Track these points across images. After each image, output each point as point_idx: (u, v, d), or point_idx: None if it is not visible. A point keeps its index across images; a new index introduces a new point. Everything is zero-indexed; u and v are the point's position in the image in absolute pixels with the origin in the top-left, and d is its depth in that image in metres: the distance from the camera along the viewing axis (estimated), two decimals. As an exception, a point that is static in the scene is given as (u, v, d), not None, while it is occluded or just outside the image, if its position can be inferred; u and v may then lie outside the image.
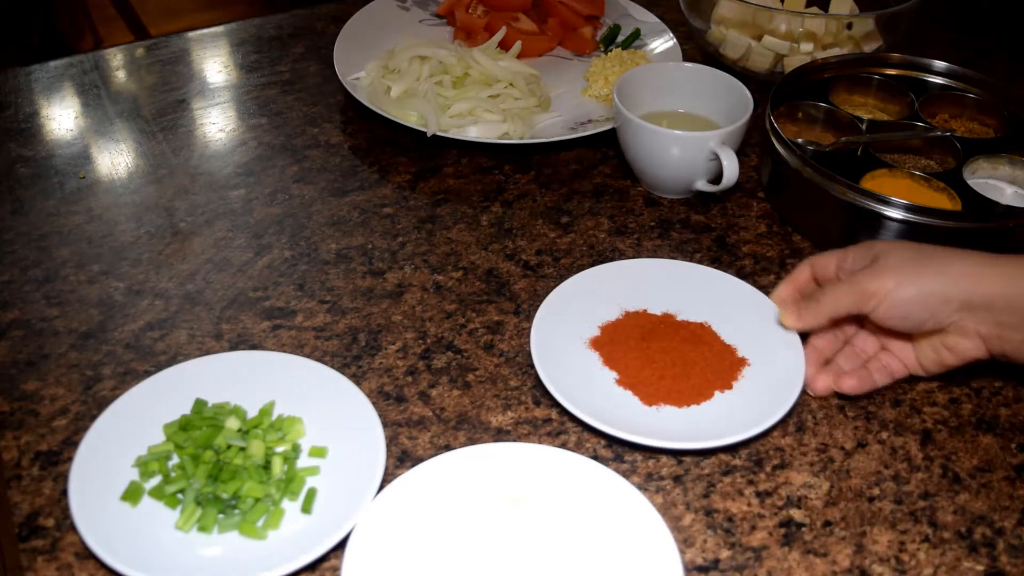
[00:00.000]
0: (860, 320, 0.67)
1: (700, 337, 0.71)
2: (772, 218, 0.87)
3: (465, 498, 0.59)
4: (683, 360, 0.69)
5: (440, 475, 0.60)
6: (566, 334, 0.71)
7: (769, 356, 0.69)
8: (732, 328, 0.72)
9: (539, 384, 0.70)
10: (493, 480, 0.60)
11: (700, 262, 0.82)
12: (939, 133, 0.86)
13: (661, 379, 0.68)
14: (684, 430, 0.64)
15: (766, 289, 0.73)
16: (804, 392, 0.68)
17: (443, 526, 0.58)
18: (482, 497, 0.59)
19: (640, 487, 0.63)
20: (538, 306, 0.74)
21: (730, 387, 0.68)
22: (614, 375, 0.69)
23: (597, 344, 0.71)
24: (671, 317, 0.73)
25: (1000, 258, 0.60)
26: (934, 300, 0.60)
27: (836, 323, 0.68)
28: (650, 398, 0.67)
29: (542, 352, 0.68)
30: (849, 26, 1.03)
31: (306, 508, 0.60)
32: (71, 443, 0.65)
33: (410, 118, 0.92)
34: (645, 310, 0.74)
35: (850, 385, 0.67)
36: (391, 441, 0.66)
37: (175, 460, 0.62)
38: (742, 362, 0.70)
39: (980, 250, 0.77)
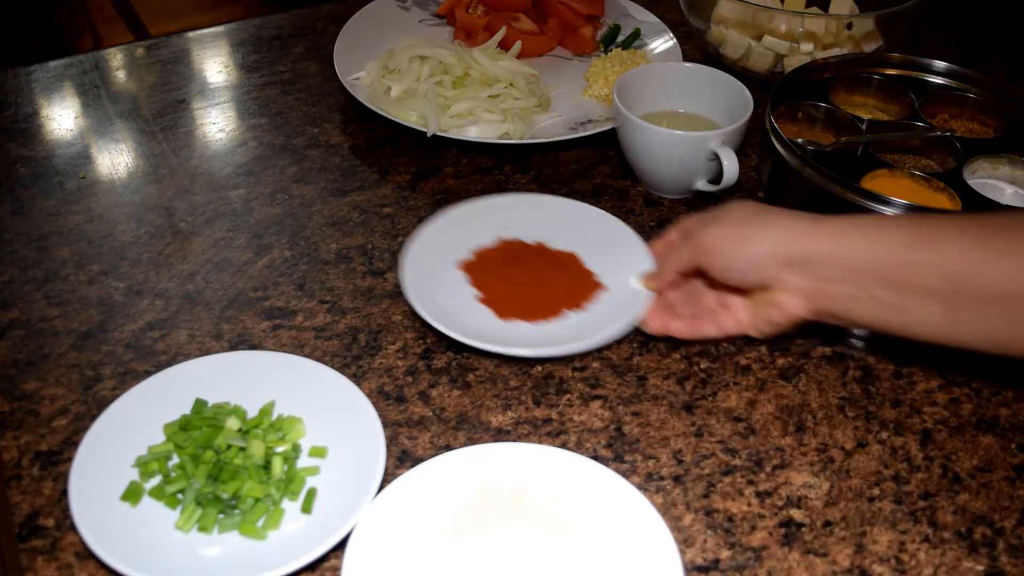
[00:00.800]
0: (704, 274, 0.68)
1: (562, 263, 0.78)
2: (772, 218, 0.87)
3: (465, 498, 0.59)
4: (540, 281, 0.76)
5: (440, 475, 0.60)
6: (442, 257, 0.77)
7: (624, 286, 0.74)
8: (598, 258, 0.78)
9: (538, 385, 0.70)
10: (493, 480, 0.60)
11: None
12: (939, 133, 0.86)
13: (516, 297, 0.75)
14: (527, 339, 0.71)
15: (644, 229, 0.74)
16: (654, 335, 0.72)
17: (443, 526, 0.58)
18: (482, 497, 0.59)
19: (640, 487, 0.63)
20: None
21: (581, 307, 0.74)
22: (477, 293, 0.75)
23: (467, 267, 0.77)
24: (542, 245, 0.79)
25: (829, 218, 0.61)
26: (757, 254, 0.61)
27: (684, 275, 0.70)
28: (504, 313, 0.73)
29: (414, 270, 0.74)
30: (849, 26, 1.03)
31: (306, 508, 0.60)
32: (71, 443, 0.65)
33: (410, 118, 0.92)
34: (519, 239, 0.80)
35: (677, 328, 0.69)
36: (391, 441, 0.66)
37: (175, 460, 0.62)
38: (598, 286, 0.75)
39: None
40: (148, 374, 0.69)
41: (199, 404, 0.65)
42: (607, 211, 0.80)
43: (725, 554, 0.59)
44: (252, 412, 0.65)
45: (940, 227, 0.57)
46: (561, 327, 0.72)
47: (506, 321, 0.73)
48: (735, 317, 0.68)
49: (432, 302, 0.71)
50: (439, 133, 0.90)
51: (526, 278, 0.76)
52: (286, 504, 0.60)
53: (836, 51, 1.03)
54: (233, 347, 0.72)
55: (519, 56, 1.04)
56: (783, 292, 0.62)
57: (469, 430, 0.67)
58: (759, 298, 0.65)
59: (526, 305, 0.74)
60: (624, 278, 0.74)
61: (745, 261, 0.62)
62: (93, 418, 0.64)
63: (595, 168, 0.93)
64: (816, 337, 0.74)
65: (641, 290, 0.72)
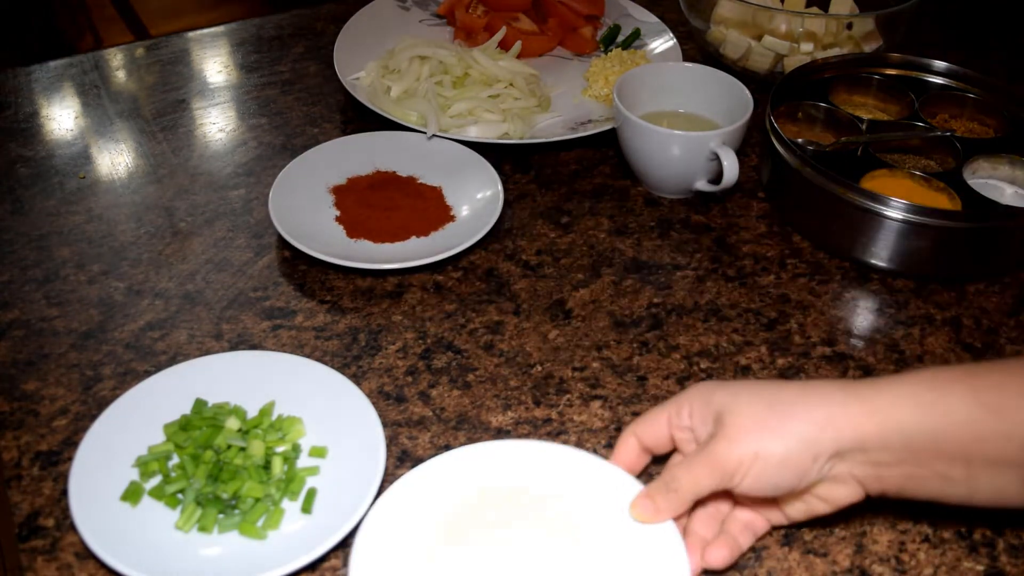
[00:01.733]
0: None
1: (422, 194, 0.86)
2: (772, 218, 0.87)
3: (472, 495, 0.58)
4: (393, 207, 0.84)
5: (446, 472, 0.59)
6: (315, 179, 0.86)
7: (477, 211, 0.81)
8: (457, 191, 0.86)
9: (538, 385, 0.70)
10: (494, 479, 0.59)
11: (700, 262, 0.82)
12: (939, 133, 0.86)
13: (368, 219, 0.82)
14: (368, 256, 0.78)
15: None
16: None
17: (450, 523, 0.57)
18: (483, 497, 0.59)
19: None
20: (538, 306, 0.74)
21: (427, 235, 0.81)
22: (337, 212, 0.84)
23: (336, 190, 0.86)
24: (412, 178, 0.88)
25: (862, 390, 0.52)
26: (805, 458, 0.51)
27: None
28: (354, 233, 0.82)
29: (279, 192, 0.82)
30: (849, 26, 1.03)
31: (306, 508, 0.60)
32: (71, 443, 0.65)
33: (410, 118, 0.92)
34: (395, 171, 0.88)
35: (719, 558, 0.56)
36: (391, 441, 0.66)
37: (175, 460, 0.62)
38: (450, 219, 0.83)
39: (980, 251, 0.78)
40: (148, 374, 0.69)
41: (199, 404, 0.65)
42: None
43: (725, 554, 0.59)
44: (252, 412, 0.65)
45: (1009, 390, 0.50)
46: (403, 247, 0.80)
47: (353, 240, 0.81)
48: (761, 517, 0.58)
49: (292, 220, 0.79)
50: (439, 133, 0.90)
51: (380, 203, 0.84)
52: (286, 504, 0.60)
53: (836, 51, 1.03)
54: (233, 347, 0.72)
55: (519, 56, 1.04)
56: (830, 484, 0.54)
57: (469, 430, 0.67)
58: (798, 495, 0.56)
59: (374, 228, 0.82)
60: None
61: (789, 471, 0.52)
62: (93, 418, 0.64)
63: (595, 168, 0.93)
64: (816, 337, 0.75)
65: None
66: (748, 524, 0.58)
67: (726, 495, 0.58)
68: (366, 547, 0.55)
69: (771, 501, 0.57)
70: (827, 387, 0.53)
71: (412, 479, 0.58)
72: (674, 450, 0.59)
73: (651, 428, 0.58)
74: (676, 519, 0.56)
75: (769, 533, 0.60)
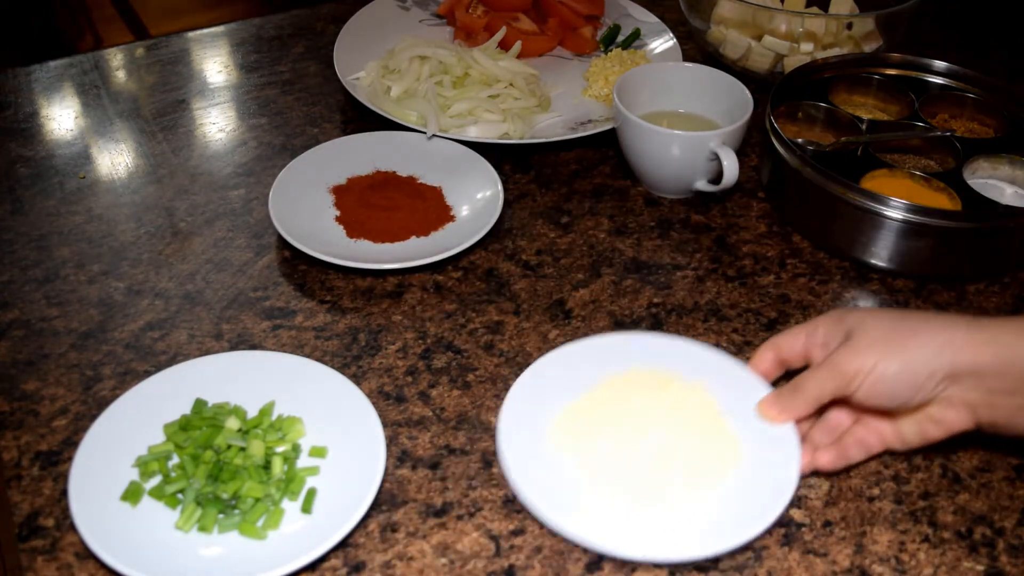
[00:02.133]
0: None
1: (422, 194, 0.86)
2: (772, 218, 0.87)
3: (622, 375, 0.66)
4: (393, 206, 0.84)
5: (599, 349, 0.68)
6: (315, 180, 0.86)
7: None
8: (457, 191, 0.86)
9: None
10: (650, 361, 0.67)
11: (700, 262, 0.82)
12: (939, 133, 0.86)
13: (368, 219, 0.82)
14: (368, 256, 0.78)
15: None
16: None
17: (598, 397, 0.65)
18: (638, 375, 0.66)
19: (640, 487, 0.63)
20: (538, 306, 0.74)
21: (427, 235, 0.82)
22: (336, 212, 0.83)
23: (336, 190, 0.86)
24: (412, 178, 0.88)
25: (985, 322, 0.57)
26: (920, 375, 0.56)
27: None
28: (354, 233, 0.82)
29: (279, 192, 0.82)
30: (849, 26, 1.03)
31: (306, 508, 0.60)
32: (71, 443, 0.65)
33: (410, 118, 0.92)
34: (395, 171, 0.88)
35: (826, 460, 0.62)
36: (391, 441, 0.66)
37: (175, 460, 0.62)
38: (450, 219, 0.83)
39: (980, 251, 0.78)
40: (148, 374, 0.69)
41: (199, 404, 0.65)
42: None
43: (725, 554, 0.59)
44: (252, 412, 0.65)
45: None
46: (405, 247, 0.80)
47: (353, 240, 0.81)
48: (880, 434, 0.62)
49: (293, 222, 0.79)
50: (439, 133, 0.90)
51: (380, 203, 0.84)
52: (286, 504, 0.60)
53: (836, 51, 1.03)
54: (233, 347, 0.72)
55: (519, 56, 1.04)
56: (943, 407, 0.58)
57: (469, 430, 0.67)
58: (911, 414, 0.60)
59: (375, 228, 0.82)
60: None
61: (903, 384, 0.57)
62: (93, 418, 0.64)
63: (595, 168, 0.93)
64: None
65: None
66: (862, 440, 0.62)
67: (847, 412, 0.63)
68: (512, 411, 0.63)
69: (888, 416, 0.61)
70: (952, 316, 0.58)
71: (569, 351, 0.68)
72: (805, 367, 0.63)
73: (789, 341, 0.64)
74: (797, 423, 0.63)
75: (770, 532, 0.60)
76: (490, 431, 0.67)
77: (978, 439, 0.66)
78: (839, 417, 0.63)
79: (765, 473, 0.61)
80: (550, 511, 0.58)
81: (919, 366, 0.56)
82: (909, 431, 0.61)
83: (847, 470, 0.64)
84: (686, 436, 0.63)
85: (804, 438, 0.63)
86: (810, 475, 0.63)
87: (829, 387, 0.59)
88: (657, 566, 0.58)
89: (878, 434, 0.62)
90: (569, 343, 0.69)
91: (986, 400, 0.56)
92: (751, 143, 0.94)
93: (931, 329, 0.57)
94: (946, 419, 0.59)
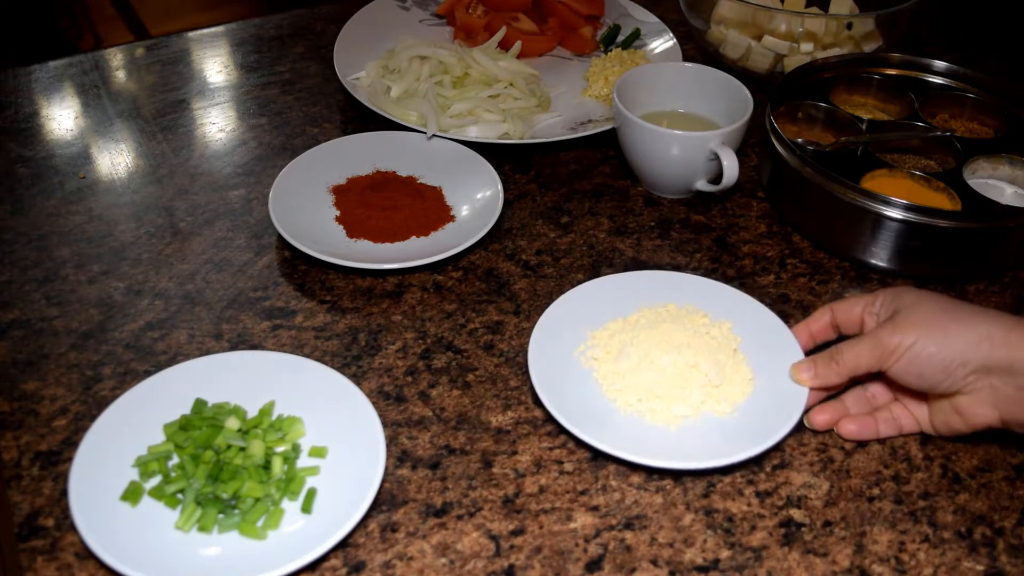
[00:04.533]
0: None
1: (422, 194, 0.85)
2: (772, 218, 0.87)
3: (658, 308, 0.72)
4: (393, 206, 0.83)
5: (640, 282, 0.74)
6: (315, 180, 0.86)
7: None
8: (457, 191, 0.86)
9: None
10: (692, 301, 0.72)
11: (700, 262, 0.82)
12: (939, 133, 0.86)
13: (368, 219, 0.82)
14: (368, 256, 0.78)
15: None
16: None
17: (630, 321, 0.71)
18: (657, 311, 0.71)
19: (640, 487, 0.63)
20: (538, 306, 0.74)
21: (427, 235, 0.82)
22: (336, 212, 0.84)
23: (336, 190, 0.86)
24: (412, 178, 0.88)
25: None
26: (953, 361, 0.58)
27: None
28: (354, 232, 0.82)
29: (279, 192, 0.82)
30: (849, 26, 1.03)
31: (306, 508, 0.60)
32: (71, 443, 0.65)
33: (410, 118, 0.92)
34: (395, 171, 0.88)
35: (849, 428, 0.65)
36: (391, 441, 0.66)
37: (175, 460, 0.62)
38: (450, 219, 0.84)
39: (980, 251, 0.78)
40: (148, 374, 0.69)
41: (199, 404, 0.65)
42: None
43: (725, 554, 0.59)
44: (252, 412, 0.65)
45: None
46: (406, 246, 0.80)
47: (353, 239, 0.81)
48: (911, 415, 0.65)
49: (292, 222, 0.79)
50: (439, 133, 0.90)
51: (380, 203, 0.84)
52: (286, 504, 0.60)
53: (836, 51, 1.03)
54: (233, 347, 0.72)
55: (519, 56, 1.04)
56: (969, 399, 0.60)
57: (469, 430, 0.67)
58: (941, 402, 0.62)
59: (374, 227, 0.82)
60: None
61: (935, 367, 0.59)
62: (93, 418, 0.64)
63: (595, 168, 0.93)
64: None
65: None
66: (896, 418, 0.65)
67: (885, 389, 0.65)
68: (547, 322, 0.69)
69: (920, 398, 0.64)
70: (998, 313, 0.59)
71: (610, 280, 0.74)
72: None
73: (847, 306, 0.66)
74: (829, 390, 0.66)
75: (772, 531, 0.60)
76: (490, 431, 0.67)
77: (978, 439, 0.66)
78: (877, 391, 0.66)
79: (772, 407, 0.65)
80: (580, 426, 0.62)
81: (954, 353, 0.58)
82: (938, 418, 0.63)
83: (854, 457, 0.64)
84: (703, 364, 0.66)
85: (836, 399, 0.66)
86: (816, 431, 0.66)
87: (865, 359, 0.61)
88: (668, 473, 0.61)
89: (911, 417, 0.64)
90: (614, 274, 0.75)
91: (1015, 397, 0.58)
92: (751, 143, 0.94)
93: (974, 321, 0.59)
94: (969, 411, 0.60)
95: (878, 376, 0.66)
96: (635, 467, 0.64)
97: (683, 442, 0.64)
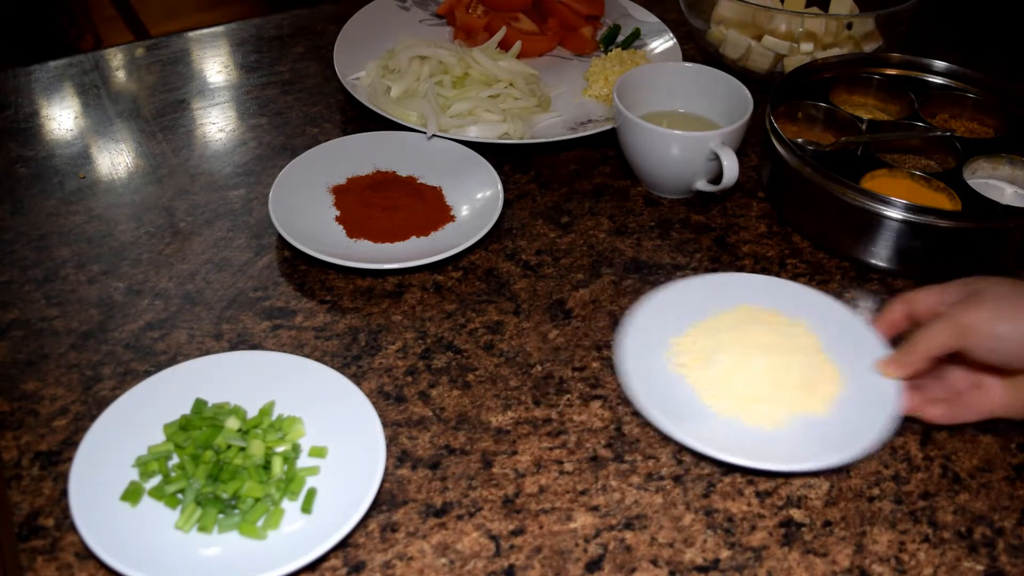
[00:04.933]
0: (954, 355, 0.65)
1: (422, 194, 0.86)
2: (772, 218, 0.87)
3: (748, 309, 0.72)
4: (393, 206, 0.84)
5: (716, 284, 0.74)
6: (315, 180, 0.86)
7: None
8: (457, 191, 0.86)
9: (538, 385, 0.70)
10: (774, 303, 0.72)
11: (700, 262, 0.82)
12: (939, 133, 0.86)
13: (368, 219, 0.83)
14: (368, 256, 0.78)
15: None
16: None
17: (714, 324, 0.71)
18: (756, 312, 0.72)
19: (640, 487, 0.63)
20: (538, 306, 0.74)
21: (427, 235, 0.82)
22: (336, 212, 0.84)
23: (336, 190, 0.86)
24: (412, 178, 0.88)
25: None
26: None
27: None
28: (354, 232, 0.82)
29: (279, 192, 0.82)
30: (849, 26, 1.03)
31: (306, 508, 0.60)
32: (71, 443, 0.65)
33: (410, 118, 0.92)
34: (395, 171, 0.88)
35: (938, 413, 0.65)
36: (391, 441, 0.66)
37: (175, 460, 0.62)
38: (450, 219, 0.83)
39: (980, 251, 0.78)
40: (148, 374, 0.69)
41: (199, 404, 0.65)
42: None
43: (725, 554, 0.59)
44: (252, 412, 0.65)
45: None
46: (405, 247, 0.80)
47: (353, 240, 0.81)
48: (992, 398, 0.65)
49: (292, 223, 0.79)
50: (439, 133, 0.90)
51: (380, 203, 0.84)
52: (286, 504, 0.60)
53: (836, 51, 1.03)
54: (233, 347, 0.72)
55: (519, 56, 1.04)
56: None
57: (469, 430, 0.67)
58: (1020, 380, 0.63)
59: (375, 227, 0.82)
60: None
61: (1011, 345, 0.60)
62: (93, 418, 0.64)
63: (595, 168, 0.93)
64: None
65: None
66: (978, 402, 0.65)
67: (965, 374, 0.66)
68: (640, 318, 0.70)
69: (998, 374, 0.64)
70: None
71: (688, 283, 0.74)
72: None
73: (924, 295, 0.66)
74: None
75: (772, 531, 0.60)
76: (490, 431, 0.67)
77: (978, 439, 0.66)
78: (958, 377, 0.66)
79: (865, 403, 0.65)
80: (671, 425, 0.63)
81: None
82: (1017, 398, 0.64)
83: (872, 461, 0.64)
84: (791, 365, 0.68)
85: (918, 388, 0.66)
86: (913, 421, 0.66)
87: (941, 339, 0.62)
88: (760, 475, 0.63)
89: (991, 399, 0.65)
90: (682, 279, 0.75)
91: None
92: (751, 143, 0.94)
93: None
94: None
95: (957, 362, 0.66)
96: (635, 468, 0.64)
97: (790, 443, 0.64)
